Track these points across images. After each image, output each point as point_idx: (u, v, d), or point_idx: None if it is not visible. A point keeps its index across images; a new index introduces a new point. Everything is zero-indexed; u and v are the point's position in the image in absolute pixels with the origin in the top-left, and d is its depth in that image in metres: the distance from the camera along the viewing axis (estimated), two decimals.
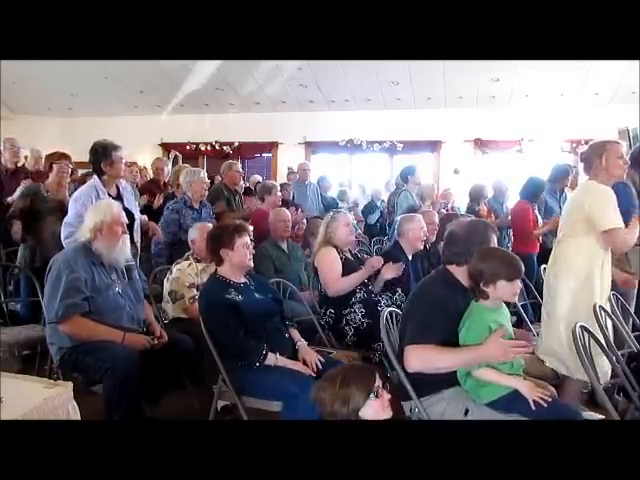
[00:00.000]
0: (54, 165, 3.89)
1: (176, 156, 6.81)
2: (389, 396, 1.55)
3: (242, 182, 5.68)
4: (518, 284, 1.99)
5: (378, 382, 1.53)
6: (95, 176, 3.38)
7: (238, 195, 5.08)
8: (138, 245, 3.68)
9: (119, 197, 3.45)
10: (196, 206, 4.18)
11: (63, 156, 3.98)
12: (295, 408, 2.15)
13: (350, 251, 3.48)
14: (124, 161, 3.45)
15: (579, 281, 2.67)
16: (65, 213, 3.87)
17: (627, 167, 2.84)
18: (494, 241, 2.19)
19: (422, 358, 1.95)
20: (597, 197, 2.66)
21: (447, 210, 6.06)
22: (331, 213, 3.45)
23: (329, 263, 3.23)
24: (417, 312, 2.08)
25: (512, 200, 5.58)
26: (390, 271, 3.29)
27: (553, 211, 4.86)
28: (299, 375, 2.34)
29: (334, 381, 1.51)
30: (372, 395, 1.50)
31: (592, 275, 2.67)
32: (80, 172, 6.16)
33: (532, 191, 4.87)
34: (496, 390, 1.93)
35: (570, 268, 2.70)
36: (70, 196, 4.01)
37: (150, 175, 6.42)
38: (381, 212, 6.76)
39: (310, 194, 6.37)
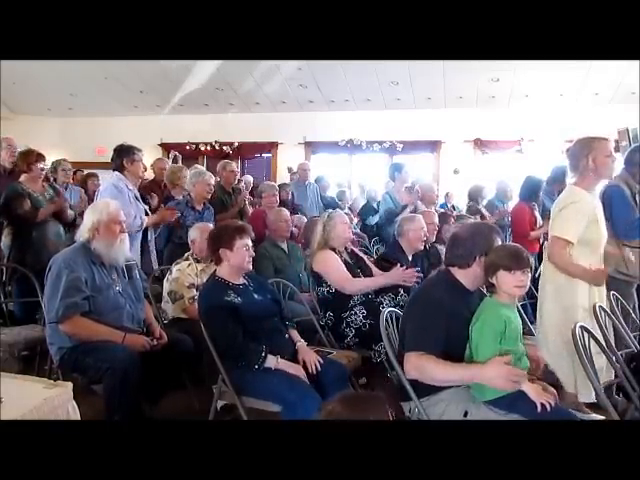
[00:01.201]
0: (33, 166, 3.88)
1: (176, 156, 6.80)
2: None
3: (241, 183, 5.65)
4: (520, 276, 1.96)
5: (389, 413, 1.31)
6: (117, 172, 3.67)
7: (235, 193, 5.06)
8: (151, 244, 3.83)
9: (136, 197, 3.71)
10: (198, 207, 4.17)
11: (40, 156, 3.96)
12: (293, 416, 2.15)
13: (346, 249, 3.47)
14: (144, 163, 3.80)
15: (561, 287, 2.64)
16: (65, 215, 3.92)
17: (615, 163, 2.75)
18: (498, 244, 2.18)
19: (419, 368, 1.95)
20: (568, 202, 2.62)
21: (447, 210, 6.04)
22: (327, 213, 3.44)
23: (333, 266, 3.22)
24: (416, 314, 2.08)
25: (515, 201, 5.56)
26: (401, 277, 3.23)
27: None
28: (298, 382, 2.33)
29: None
30: None
31: (574, 281, 2.62)
32: (85, 171, 6.17)
33: (531, 190, 4.87)
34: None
35: (552, 274, 2.68)
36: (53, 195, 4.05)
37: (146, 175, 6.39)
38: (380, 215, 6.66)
39: (310, 194, 6.35)
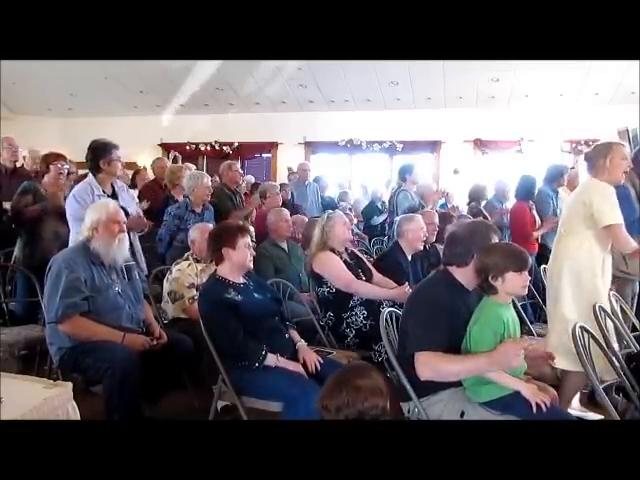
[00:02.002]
0: (51, 166, 3.88)
1: (176, 156, 6.81)
2: None
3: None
4: (527, 276, 1.98)
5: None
6: (90, 174, 3.43)
7: (238, 194, 5.08)
8: (135, 244, 3.71)
9: (114, 195, 3.47)
10: (198, 210, 4.16)
11: (60, 157, 3.97)
12: (296, 411, 2.15)
13: (346, 250, 3.47)
14: (121, 160, 3.54)
15: (583, 277, 2.68)
16: (62, 214, 3.91)
17: (628, 167, 2.85)
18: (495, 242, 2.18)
19: (433, 367, 1.93)
20: (598, 193, 2.68)
21: (448, 209, 6.04)
22: (326, 214, 3.44)
23: (335, 267, 3.21)
24: (417, 314, 2.07)
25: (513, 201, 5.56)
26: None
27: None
28: (299, 377, 2.34)
29: (355, 378, 1.46)
30: None
31: (595, 271, 2.68)
32: (80, 172, 6.16)
33: (527, 189, 4.88)
34: (496, 390, 1.92)
35: (573, 265, 2.71)
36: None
37: (146, 175, 6.39)
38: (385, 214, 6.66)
39: (310, 194, 6.36)
